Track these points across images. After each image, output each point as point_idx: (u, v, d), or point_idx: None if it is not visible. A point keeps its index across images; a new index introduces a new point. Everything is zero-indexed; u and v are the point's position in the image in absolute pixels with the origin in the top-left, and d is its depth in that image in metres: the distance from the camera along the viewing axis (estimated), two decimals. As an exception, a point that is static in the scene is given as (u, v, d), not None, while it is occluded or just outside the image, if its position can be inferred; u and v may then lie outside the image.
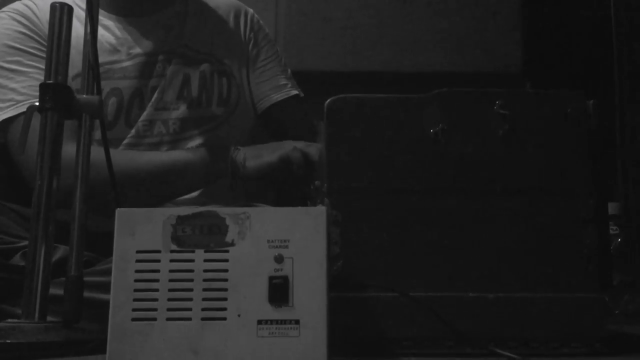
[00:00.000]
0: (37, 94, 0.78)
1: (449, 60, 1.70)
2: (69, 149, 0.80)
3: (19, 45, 1.11)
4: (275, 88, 1.26)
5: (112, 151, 0.83)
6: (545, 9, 1.86)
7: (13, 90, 1.08)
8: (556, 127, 0.74)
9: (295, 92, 1.27)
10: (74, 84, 1.07)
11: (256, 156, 1.08)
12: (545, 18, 1.85)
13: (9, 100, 1.08)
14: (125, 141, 1.12)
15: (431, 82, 0.80)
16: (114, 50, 1.15)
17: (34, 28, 1.12)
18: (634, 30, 1.64)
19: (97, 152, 0.80)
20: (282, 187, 1.30)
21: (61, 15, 0.79)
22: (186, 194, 1.14)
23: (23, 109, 1.05)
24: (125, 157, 1.08)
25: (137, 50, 1.16)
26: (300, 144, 1.06)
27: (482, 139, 0.73)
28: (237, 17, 1.27)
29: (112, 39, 1.16)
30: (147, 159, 1.09)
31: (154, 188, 1.08)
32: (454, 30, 1.71)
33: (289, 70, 1.31)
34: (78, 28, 0.97)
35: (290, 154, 1.05)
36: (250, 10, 1.30)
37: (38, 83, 0.78)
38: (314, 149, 1.04)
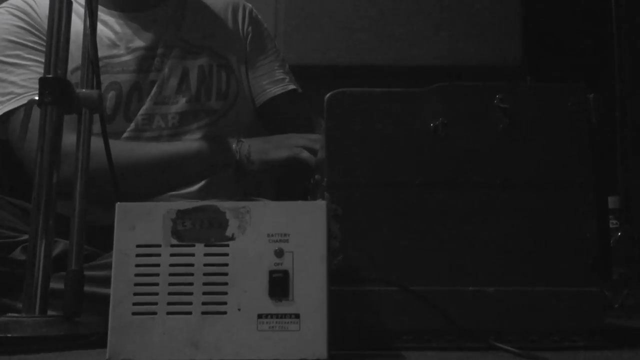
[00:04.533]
0: (37, 86, 0.78)
1: (449, 54, 1.70)
2: (68, 140, 0.80)
3: (17, 39, 1.11)
4: (274, 82, 1.26)
5: (113, 142, 0.83)
6: (545, 1, 1.85)
7: (13, 83, 1.08)
8: (556, 120, 0.74)
9: (293, 86, 1.27)
10: (73, 78, 1.07)
11: (261, 151, 1.08)
12: (545, 11, 1.85)
13: (9, 93, 1.08)
14: (125, 135, 1.12)
15: (431, 76, 0.80)
16: (113, 44, 1.15)
17: (32, 23, 1.12)
18: (634, 23, 1.63)
19: (97, 142, 0.80)
20: (285, 179, 1.30)
21: (60, 9, 0.79)
22: (188, 185, 1.14)
23: (23, 101, 1.05)
24: (126, 147, 1.08)
25: (136, 44, 1.16)
26: (304, 140, 1.06)
27: (482, 132, 0.73)
28: (235, 11, 1.27)
29: (110, 34, 1.16)
30: (149, 149, 1.09)
31: (154, 178, 1.08)
32: (453, 24, 1.71)
33: (287, 65, 1.31)
34: (77, 23, 0.97)
35: (299, 156, 1.04)
36: (249, 5, 1.30)
37: (38, 76, 0.78)
38: (319, 144, 1.03)
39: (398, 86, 0.75)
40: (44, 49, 0.81)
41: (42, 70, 0.78)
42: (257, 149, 1.08)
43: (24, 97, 1.06)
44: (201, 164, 1.10)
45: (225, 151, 1.09)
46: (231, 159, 1.09)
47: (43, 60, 0.79)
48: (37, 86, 0.78)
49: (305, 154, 1.04)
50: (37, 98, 0.77)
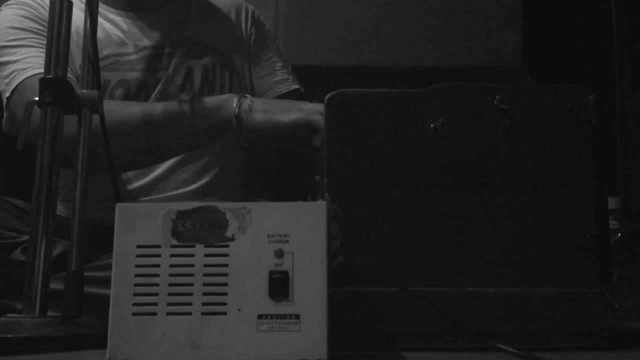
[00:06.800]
0: (41, 63, 0.77)
1: (449, 55, 1.70)
2: None
3: (21, 25, 1.11)
4: (278, 82, 1.26)
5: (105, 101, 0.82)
6: (545, 2, 1.86)
7: (16, 62, 1.06)
8: (556, 121, 0.74)
9: (296, 86, 1.27)
10: (81, 72, 1.07)
11: (266, 110, 0.98)
12: (545, 12, 1.85)
13: (13, 72, 1.06)
14: None
15: (431, 77, 0.80)
16: (122, 43, 1.16)
17: (38, 14, 1.12)
18: (634, 23, 1.63)
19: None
20: (290, 152, 1.25)
21: (61, 9, 0.79)
22: (187, 149, 1.09)
23: (26, 74, 1.03)
24: (117, 105, 1.03)
25: (144, 43, 1.16)
26: (314, 107, 0.96)
27: (482, 133, 0.73)
28: (238, 13, 1.28)
29: (119, 33, 1.16)
30: (139, 105, 1.05)
31: (148, 135, 1.01)
32: (454, 24, 1.71)
33: (290, 66, 1.31)
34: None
35: (312, 117, 0.94)
36: (251, 7, 1.31)
37: (41, 55, 0.77)
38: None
39: (398, 87, 0.75)
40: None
41: (44, 51, 0.78)
42: (262, 107, 0.98)
43: (27, 71, 1.04)
44: (197, 121, 1.01)
45: (224, 105, 1.00)
46: (229, 112, 0.98)
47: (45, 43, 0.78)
48: (41, 62, 0.77)
49: (317, 116, 0.93)
50: (37, 99, 0.77)
